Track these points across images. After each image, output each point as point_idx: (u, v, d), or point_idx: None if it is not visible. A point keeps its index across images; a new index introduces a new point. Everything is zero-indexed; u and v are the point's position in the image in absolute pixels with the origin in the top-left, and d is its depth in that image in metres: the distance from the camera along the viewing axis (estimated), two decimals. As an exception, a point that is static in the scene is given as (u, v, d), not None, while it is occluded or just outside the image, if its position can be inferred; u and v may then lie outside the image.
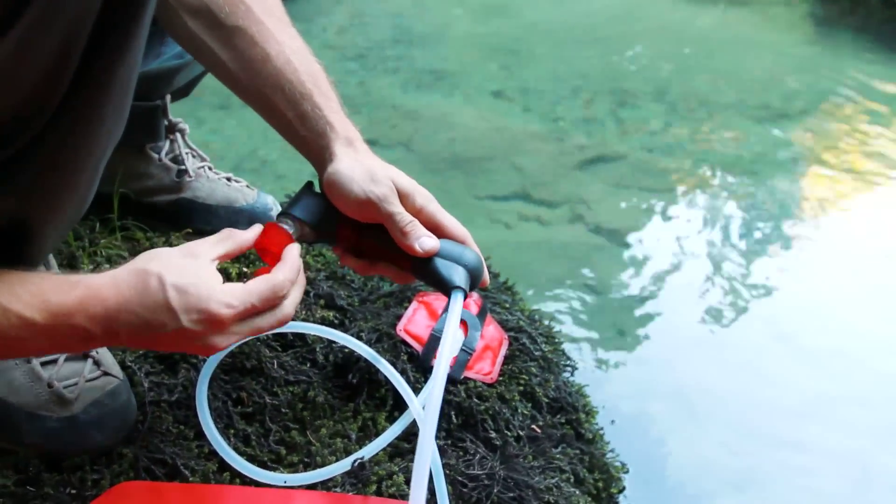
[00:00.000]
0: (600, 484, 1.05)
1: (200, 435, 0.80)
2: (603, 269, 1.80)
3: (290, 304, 0.67)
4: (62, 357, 0.77)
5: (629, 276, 1.79)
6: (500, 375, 0.96)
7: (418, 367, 0.92)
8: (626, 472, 1.16)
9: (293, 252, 0.70)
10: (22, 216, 0.64)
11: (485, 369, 0.95)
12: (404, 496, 0.81)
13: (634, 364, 1.49)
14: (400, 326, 0.95)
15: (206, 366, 0.84)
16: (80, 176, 0.65)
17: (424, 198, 0.75)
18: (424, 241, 0.72)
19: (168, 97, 0.99)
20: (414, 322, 0.96)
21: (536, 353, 1.02)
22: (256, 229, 0.71)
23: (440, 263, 0.72)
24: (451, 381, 0.92)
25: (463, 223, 0.78)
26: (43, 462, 0.74)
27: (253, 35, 0.78)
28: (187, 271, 0.62)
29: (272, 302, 0.65)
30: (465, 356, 0.94)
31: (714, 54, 3.03)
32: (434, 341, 0.94)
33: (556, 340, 1.11)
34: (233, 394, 0.85)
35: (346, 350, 0.89)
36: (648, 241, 1.91)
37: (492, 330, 0.99)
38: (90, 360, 0.78)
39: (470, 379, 0.94)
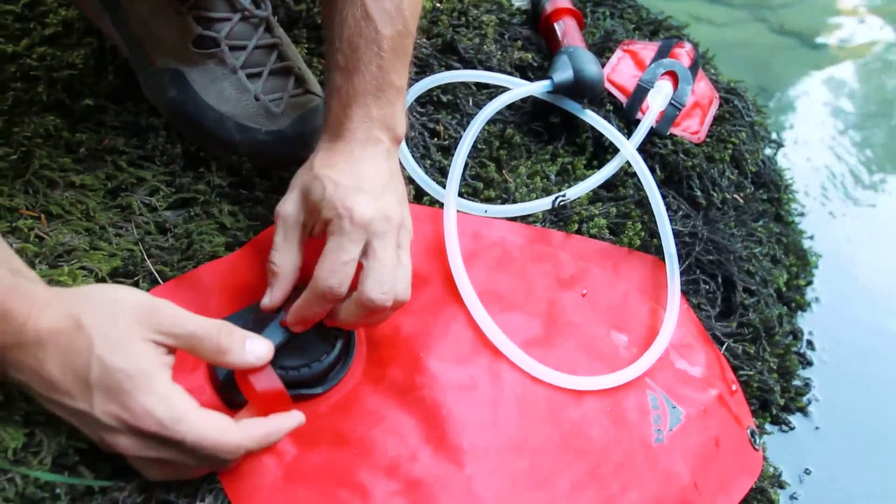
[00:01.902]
0: (794, 269, 0.98)
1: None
2: (783, 72, 1.61)
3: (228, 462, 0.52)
4: (266, 70, 0.75)
5: (813, 80, 1.59)
6: (707, 136, 0.88)
7: (622, 118, 0.85)
8: (816, 266, 1.09)
9: (280, 425, 0.53)
10: None
11: (692, 127, 0.87)
12: (605, 238, 0.78)
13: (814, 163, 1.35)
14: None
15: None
16: None
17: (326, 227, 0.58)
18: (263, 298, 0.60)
19: None
20: (618, 71, 0.88)
21: (748, 119, 0.92)
22: (247, 359, 0.53)
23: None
24: (657, 135, 0.85)
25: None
26: (255, 168, 0.75)
27: None
28: (124, 347, 0.48)
29: (203, 457, 0.50)
30: (674, 111, 0.85)
31: None
32: (640, 92, 0.86)
33: (764, 113, 1.00)
34: (429, 125, 0.82)
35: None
36: (840, 42, 1.68)
37: (703, 86, 0.90)
38: (293, 77, 0.76)
39: (676, 136, 0.86)
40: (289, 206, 0.60)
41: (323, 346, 0.61)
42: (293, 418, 0.54)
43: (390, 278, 0.57)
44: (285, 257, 0.59)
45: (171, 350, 0.51)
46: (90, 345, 0.47)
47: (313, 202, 0.59)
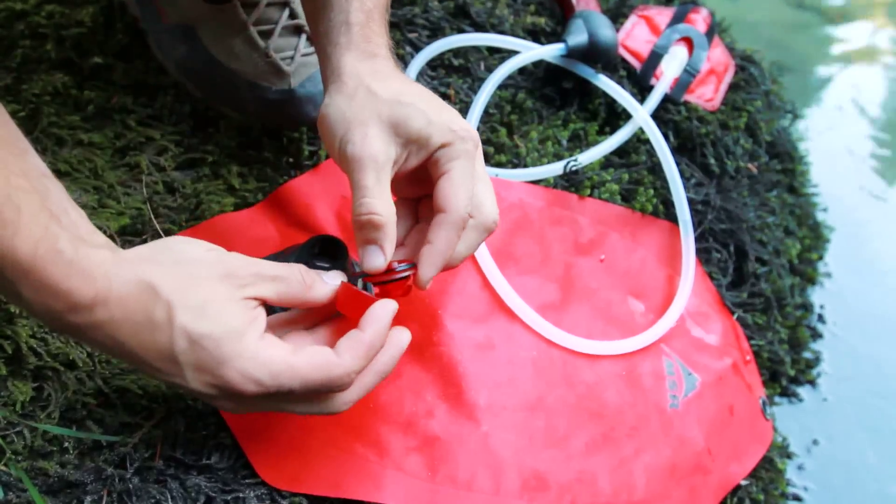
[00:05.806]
0: (807, 241, 0.97)
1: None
2: (800, 48, 1.59)
3: (348, 399, 0.49)
4: (278, 28, 0.74)
5: (831, 57, 1.57)
6: (721, 104, 0.87)
7: (635, 84, 0.84)
8: (828, 241, 1.08)
9: (375, 326, 0.48)
10: None
11: (706, 95, 0.86)
12: (616, 202, 0.77)
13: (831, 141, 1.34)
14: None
15: (415, 60, 0.80)
16: None
17: (444, 148, 0.51)
18: (368, 258, 0.50)
19: None
20: (632, 37, 0.87)
21: (763, 88, 0.91)
22: (329, 286, 0.49)
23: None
24: (671, 102, 0.84)
25: None
26: (264, 129, 0.74)
27: None
28: (209, 310, 0.44)
29: (318, 396, 0.48)
30: (688, 78, 0.84)
31: None
32: (654, 58, 0.85)
33: (780, 83, 0.99)
34: (440, 89, 0.81)
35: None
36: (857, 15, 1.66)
37: (718, 53, 0.89)
38: (304, 35, 0.75)
39: (690, 103, 0.85)
40: (376, 143, 0.50)
41: None
42: (386, 307, 0.48)
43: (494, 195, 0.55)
44: (385, 203, 0.50)
45: (260, 303, 0.47)
46: (170, 314, 0.43)
47: (415, 131, 0.51)
